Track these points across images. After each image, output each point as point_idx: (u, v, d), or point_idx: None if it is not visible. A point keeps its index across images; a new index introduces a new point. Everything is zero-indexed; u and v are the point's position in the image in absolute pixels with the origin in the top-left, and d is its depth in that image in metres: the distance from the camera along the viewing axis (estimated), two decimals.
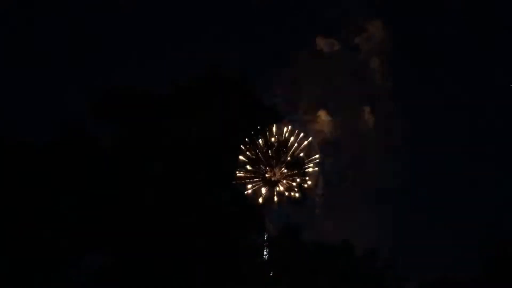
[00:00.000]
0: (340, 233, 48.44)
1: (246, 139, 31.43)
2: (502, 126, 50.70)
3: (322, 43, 52.85)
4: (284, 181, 40.26)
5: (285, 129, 48.39)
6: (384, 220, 50.21)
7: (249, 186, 46.12)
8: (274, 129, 48.16)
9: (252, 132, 30.14)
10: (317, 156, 47.76)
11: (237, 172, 32.91)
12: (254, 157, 44.26)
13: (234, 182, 29.68)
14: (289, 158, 43.70)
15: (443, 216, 51.31)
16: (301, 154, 47.07)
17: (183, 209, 23.06)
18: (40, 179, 20.02)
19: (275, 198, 43.45)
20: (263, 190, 46.79)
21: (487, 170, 51.89)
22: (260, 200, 43.52)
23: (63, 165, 20.48)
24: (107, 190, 20.61)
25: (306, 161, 46.11)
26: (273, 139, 45.90)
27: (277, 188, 44.57)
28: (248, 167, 45.21)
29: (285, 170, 44.40)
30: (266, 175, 46.03)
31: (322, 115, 53.41)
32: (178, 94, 24.91)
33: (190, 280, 23.18)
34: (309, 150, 49.07)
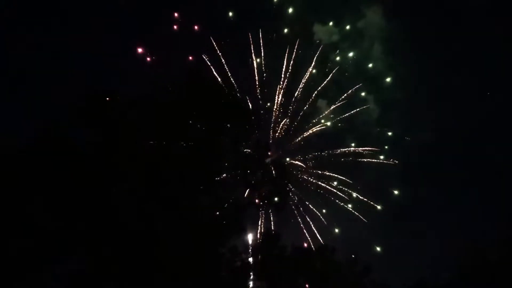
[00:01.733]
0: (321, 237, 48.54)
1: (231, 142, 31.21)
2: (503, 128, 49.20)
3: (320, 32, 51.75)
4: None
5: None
6: (365, 225, 50.33)
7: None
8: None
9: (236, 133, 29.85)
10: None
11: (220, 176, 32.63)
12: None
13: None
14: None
15: (423, 221, 51.54)
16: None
17: (162, 214, 22.87)
18: (14, 183, 19.56)
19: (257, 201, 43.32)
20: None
21: (468, 177, 51.83)
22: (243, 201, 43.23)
23: (39, 169, 20.06)
24: (84, 195, 20.27)
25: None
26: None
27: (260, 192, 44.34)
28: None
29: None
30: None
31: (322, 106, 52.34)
32: (162, 99, 24.71)
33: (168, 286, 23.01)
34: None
